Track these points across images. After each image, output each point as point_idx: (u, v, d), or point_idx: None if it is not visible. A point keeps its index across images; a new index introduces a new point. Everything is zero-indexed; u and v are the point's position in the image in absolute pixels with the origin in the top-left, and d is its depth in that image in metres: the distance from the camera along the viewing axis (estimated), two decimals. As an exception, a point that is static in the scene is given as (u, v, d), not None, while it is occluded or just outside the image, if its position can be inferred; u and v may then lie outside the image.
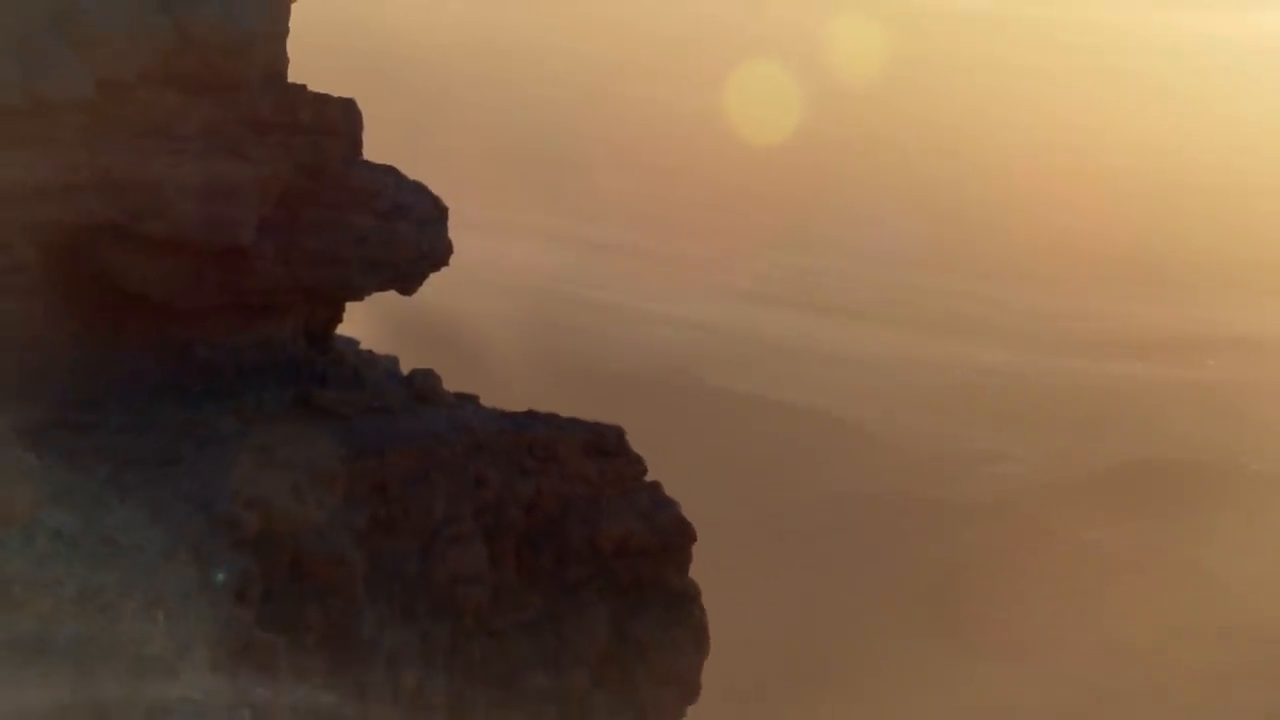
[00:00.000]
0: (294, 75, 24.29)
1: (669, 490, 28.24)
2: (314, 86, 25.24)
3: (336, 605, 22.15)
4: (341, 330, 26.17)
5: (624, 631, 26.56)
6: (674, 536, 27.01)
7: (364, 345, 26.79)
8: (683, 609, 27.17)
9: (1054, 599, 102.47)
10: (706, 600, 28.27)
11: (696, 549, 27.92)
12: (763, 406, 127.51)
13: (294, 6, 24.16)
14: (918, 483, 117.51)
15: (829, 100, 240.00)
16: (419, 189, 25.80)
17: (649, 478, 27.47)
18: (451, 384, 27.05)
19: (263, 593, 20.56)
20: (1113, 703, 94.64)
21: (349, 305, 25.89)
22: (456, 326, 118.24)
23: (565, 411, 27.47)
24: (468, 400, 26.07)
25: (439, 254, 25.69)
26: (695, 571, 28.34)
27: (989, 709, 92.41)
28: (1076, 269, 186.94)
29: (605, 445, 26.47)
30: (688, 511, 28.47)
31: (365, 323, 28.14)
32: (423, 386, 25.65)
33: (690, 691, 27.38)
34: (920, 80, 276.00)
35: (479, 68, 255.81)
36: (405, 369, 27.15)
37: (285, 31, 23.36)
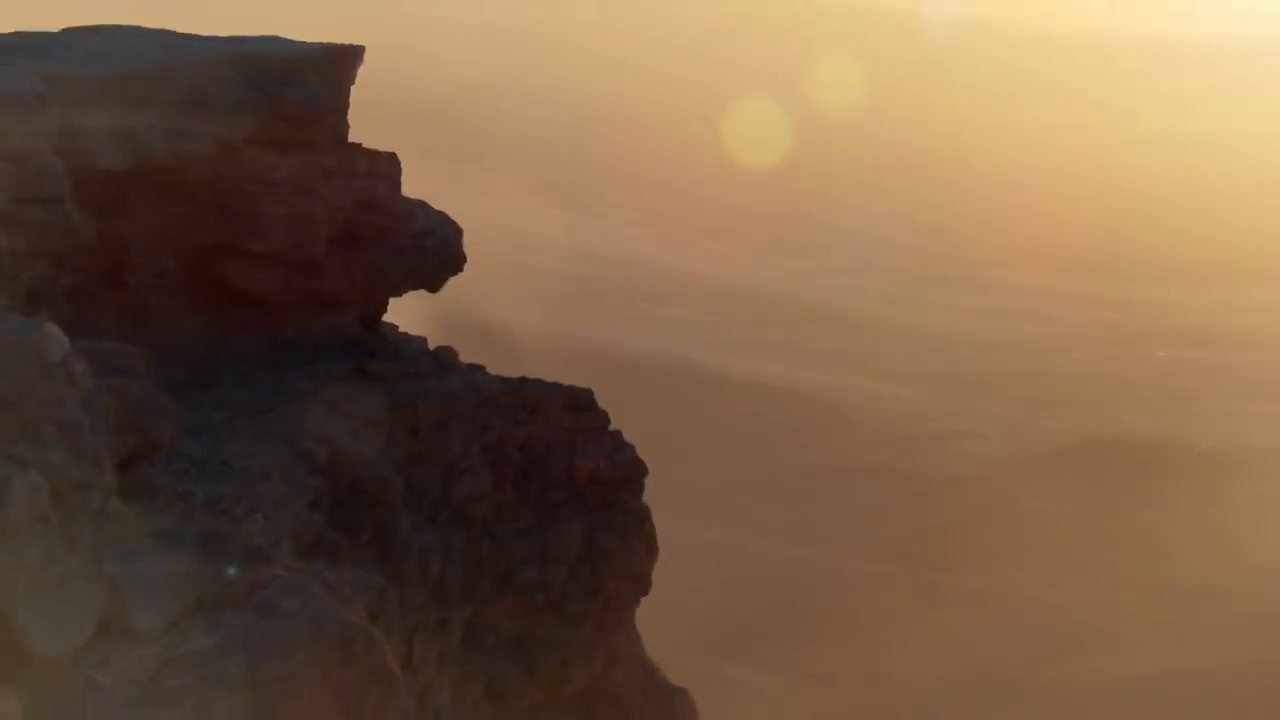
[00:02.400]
0: (357, 122, 26.35)
1: (670, 458, 29.67)
2: (373, 129, 27.32)
3: (382, 514, 23.61)
4: (386, 319, 28.42)
5: (593, 540, 28.52)
6: (631, 470, 29.17)
7: (401, 329, 28.69)
8: (638, 524, 29.35)
9: (1017, 560, 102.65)
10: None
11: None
12: (755, 390, 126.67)
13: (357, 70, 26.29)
14: (894, 456, 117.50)
15: (815, 128, 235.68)
16: (442, 216, 28.27)
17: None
18: (492, 369, 28.73)
19: (330, 504, 22.40)
20: (1071, 649, 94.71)
21: (392, 301, 28.10)
22: (495, 325, 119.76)
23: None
24: (477, 369, 28.15)
25: (456, 263, 28.16)
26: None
27: (958, 654, 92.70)
28: (1041, 270, 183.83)
29: (579, 402, 28.55)
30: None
31: (405, 313, 29.94)
32: (444, 359, 27.73)
33: (643, 585, 29.81)
34: (897, 108, 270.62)
35: (509, 108, 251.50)
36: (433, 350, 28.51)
37: (346, 106, 25.97)
